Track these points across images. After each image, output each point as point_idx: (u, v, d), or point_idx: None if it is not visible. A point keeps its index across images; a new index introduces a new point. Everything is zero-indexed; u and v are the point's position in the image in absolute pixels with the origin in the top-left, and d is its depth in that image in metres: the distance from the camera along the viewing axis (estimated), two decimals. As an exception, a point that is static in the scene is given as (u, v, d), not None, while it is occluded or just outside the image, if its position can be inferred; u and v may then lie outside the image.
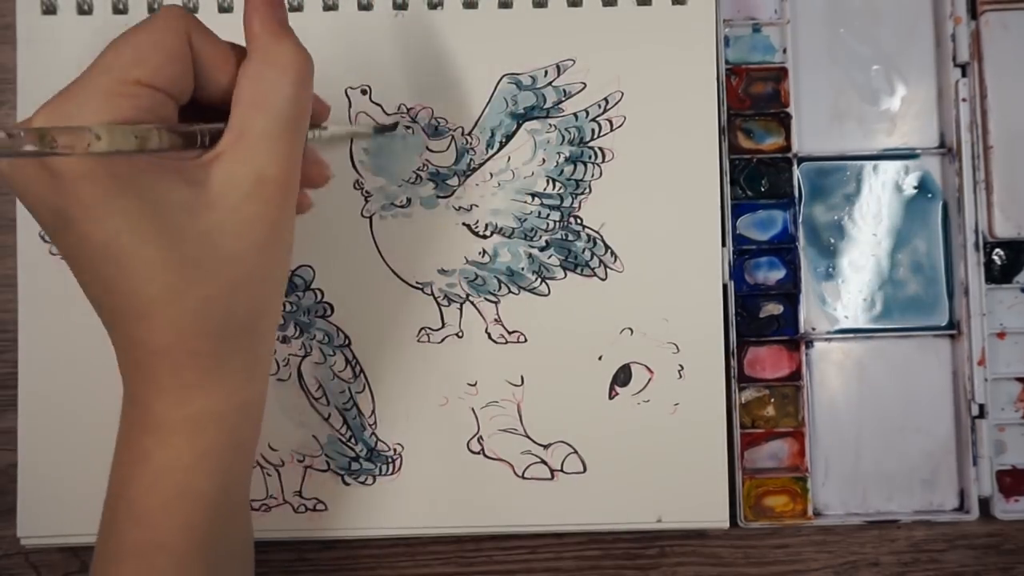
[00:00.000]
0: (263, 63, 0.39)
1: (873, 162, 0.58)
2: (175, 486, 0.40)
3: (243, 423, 0.42)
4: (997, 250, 0.57)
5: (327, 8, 0.55)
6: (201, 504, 0.40)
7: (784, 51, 0.57)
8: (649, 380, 0.55)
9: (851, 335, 0.57)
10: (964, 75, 0.57)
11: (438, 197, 0.55)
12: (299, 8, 0.55)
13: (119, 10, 0.54)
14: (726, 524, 0.55)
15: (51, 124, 0.34)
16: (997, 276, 0.57)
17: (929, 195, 0.58)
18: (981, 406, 0.56)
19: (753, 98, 0.57)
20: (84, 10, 0.54)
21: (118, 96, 0.36)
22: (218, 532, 0.41)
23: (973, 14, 0.57)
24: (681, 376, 0.55)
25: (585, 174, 0.55)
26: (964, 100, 0.56)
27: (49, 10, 0.54)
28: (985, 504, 0.56)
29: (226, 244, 0.38)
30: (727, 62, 0.56)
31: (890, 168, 0.58)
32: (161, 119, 0.37)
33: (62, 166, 0.35)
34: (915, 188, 0.58)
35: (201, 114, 0.40)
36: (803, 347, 0.57)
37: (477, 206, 0.55)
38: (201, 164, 0.37)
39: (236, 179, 0.37)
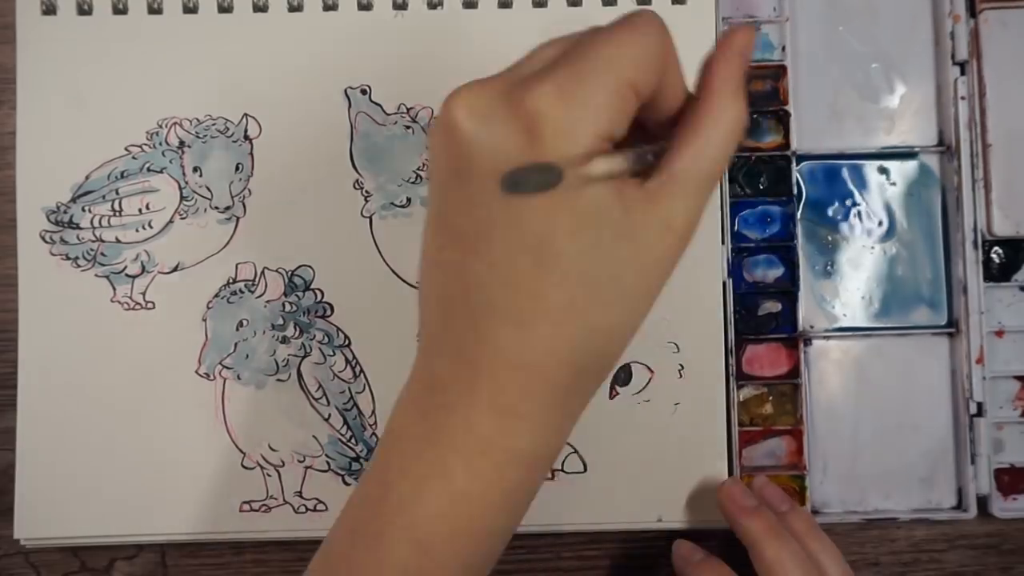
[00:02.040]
0: (714, 118, 0.36)
1: (872, 160, 0.58)
2: (468, 518, 0.36)
3: (541, 472, 0.39)
4: (996, 248, 0.57)
5: (327, 8, 0.55)
6: (484, 544, 0.38)
7: (783, 49, 0.57)
8: (649, 380, 0.55)
9: (849, 333, 0.57)
10: (963, 73, 0.57)
11: (437, 196, 0.55)
12: (299, 8, 0.54)
13: (119, 10, 0.54)
14: (726, 524, 0.55)
15: (560, 100, 0.33)
16: (996, 274, 0.57)
17: (928, 193, 0.58)
18: (979, 404, 0.56)
19: (752, 96, 0.57)
20: (84, 10, 0.54)
21: (619, 98, 0.34)
22: (482, 571, 0.39)
23: (972, 12, 0.57)
24: (681, 376, 0.55)
25: (584, 173, 0.55)
26: (963, 98, 0.56)
27: (49, 10, 0.54)
28: (983, 502, 0.56)
29: (628, 280, 0.35)
30: (726, 60, 0.56)
31: (889, 166, 0.58)
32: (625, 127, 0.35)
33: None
34: (913, 186, 0.58)
35: None
36: (801, 345, 0.57)
37: (476, 205, 0.55)
38: (637, 193, 0.35)
39: (652, 220, 0.35)
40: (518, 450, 0.36)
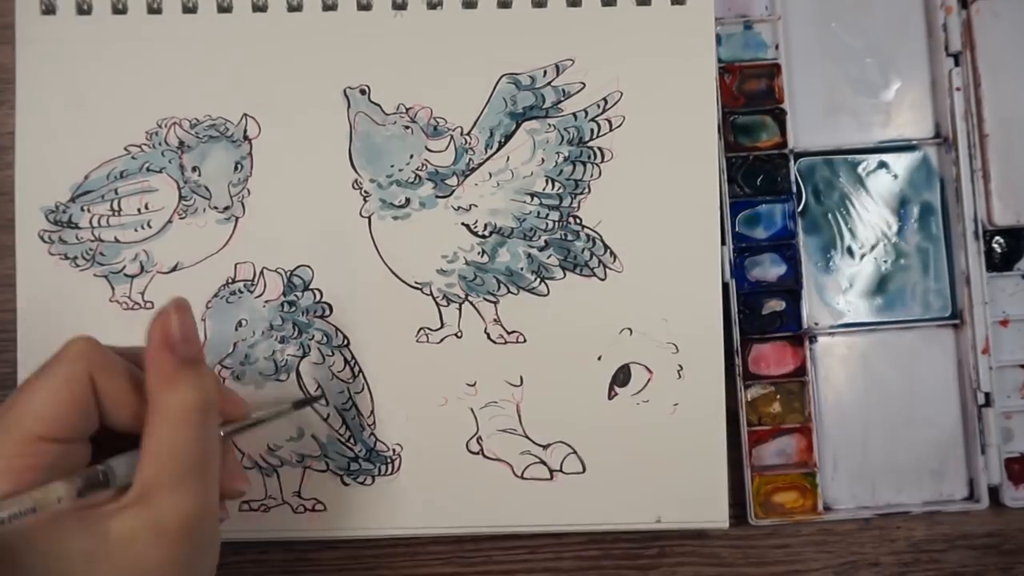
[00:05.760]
0: (158, 416, 0.39)
1: (869, 155, 0.58)
2: None
3: None
4: (997, 238, 0.57)
5: (327, 8, 0.55)
6: None
7: (776, 47, 0.57)
8: (648, 380, 0.55)
9: (854, 328, 0.57)
10: (957, 64, 0.57)
11: (437, 197, 0.55)
12: (298, 8, 0.55)
13: (118, 10, 0.55)
14: (726, 524, 0.54)
15: None
16: (998, 264, 0.57)
17: (927, 186, 0.58)
18: (987, 394, 0.55)
19: (747, 95, 0.57)
20: (84, 10, 0.55)
21: (21, 457, 0.37)
22: None
23: (964, 3, 0.57)
24: (680, 376, 0.55)
25: (584, 174, 0.55)
26: (958, 89, 0.57)
27: (49, 10, 0.55)
28: (995, 492, 0.56)
29: None
30: (719, 60, 0.56)
31: (887, 160, 0.58)
32: (70, 465, 0.38)
33: None
34: (912, 179, 0.58)
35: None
36: (807, 342, 0.56)
37: (476, 206, 0.55)
38: (104, 515, 0.38)
39: (136, 531, 0.37)
40: None
